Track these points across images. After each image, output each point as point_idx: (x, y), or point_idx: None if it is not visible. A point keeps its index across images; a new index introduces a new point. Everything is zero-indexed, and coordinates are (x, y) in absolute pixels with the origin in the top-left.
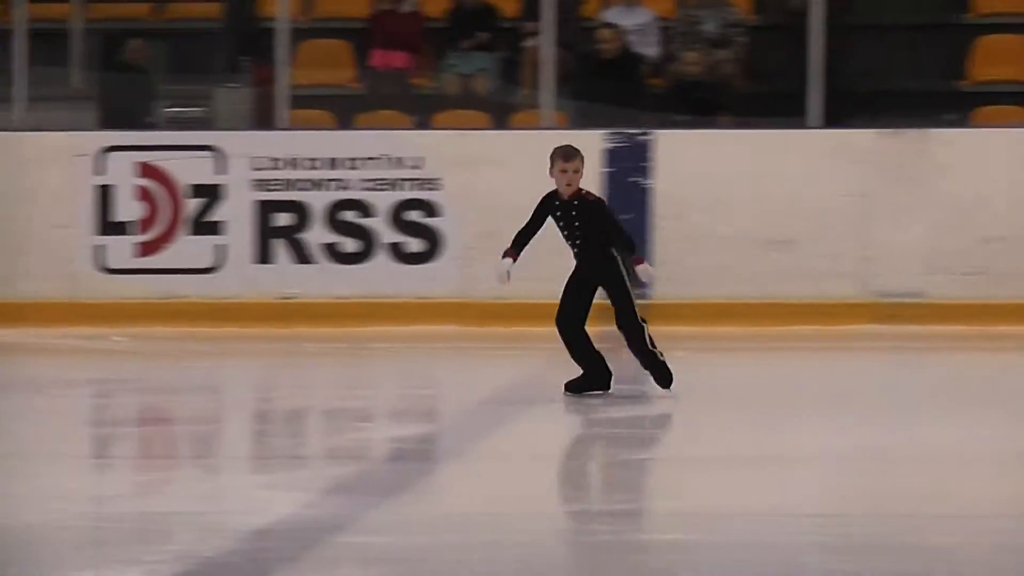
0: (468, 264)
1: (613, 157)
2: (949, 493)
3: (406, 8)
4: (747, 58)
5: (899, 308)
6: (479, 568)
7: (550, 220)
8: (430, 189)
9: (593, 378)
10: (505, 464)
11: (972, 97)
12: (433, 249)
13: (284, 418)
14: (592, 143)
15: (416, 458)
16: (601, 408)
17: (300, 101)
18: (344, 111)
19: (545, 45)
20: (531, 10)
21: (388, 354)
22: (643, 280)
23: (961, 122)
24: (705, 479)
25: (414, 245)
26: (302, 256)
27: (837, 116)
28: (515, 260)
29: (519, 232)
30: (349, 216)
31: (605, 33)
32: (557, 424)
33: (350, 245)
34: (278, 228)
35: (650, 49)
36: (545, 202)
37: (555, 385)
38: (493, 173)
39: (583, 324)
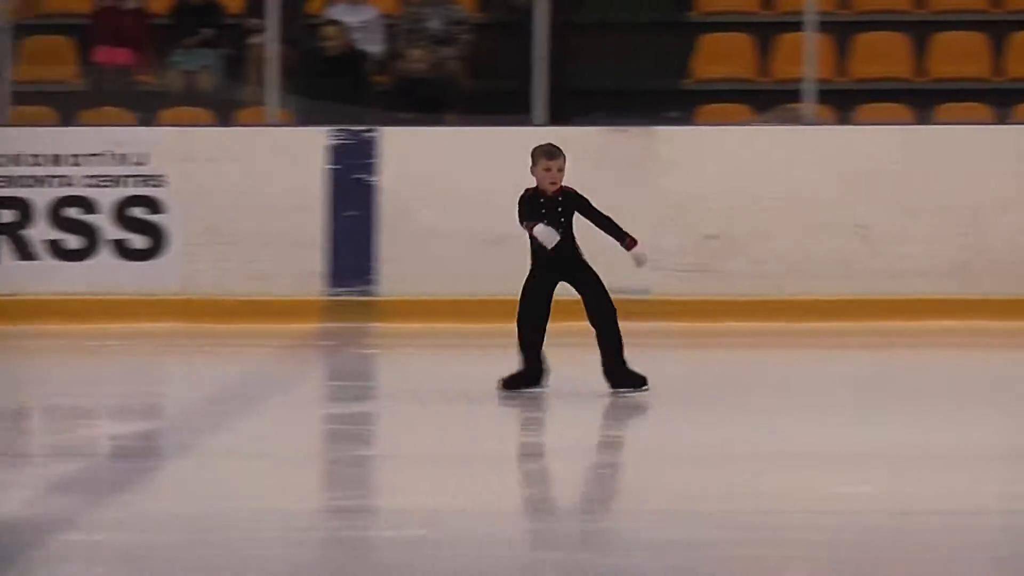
0: (192, 261)
1: (338, 154)
2: (663, 488)
3: (130, 5)
4: (472, 55)
5: (623, 305)
6: (204, 565)
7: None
8: (154, 186)
9: (530, 375)
10: (230, 461)
11: (696, 95)
12: (157, 246)
13: (6, 416)
14: (317, 140)
15: (140, 455)
16: (327, 404)
17: (22, 97)
18: (67, 107)
19: (270, 42)
20: (256, 7)
21: (111, 351)
22: (639, 262)
23: (685, 120)
24: (431, 476)
25: (138, 242)
26: (25, 253)
27: (562, 113)
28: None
29: (524, 215)
30: (72, 213)
31: (330, 30)
32: (282, 421)
33: (73, 242)
34: (0, 225)
35: (375, 46)
36: (529, 200)
37: (279, 381)
38: (218, 170)
39: (545, 325)
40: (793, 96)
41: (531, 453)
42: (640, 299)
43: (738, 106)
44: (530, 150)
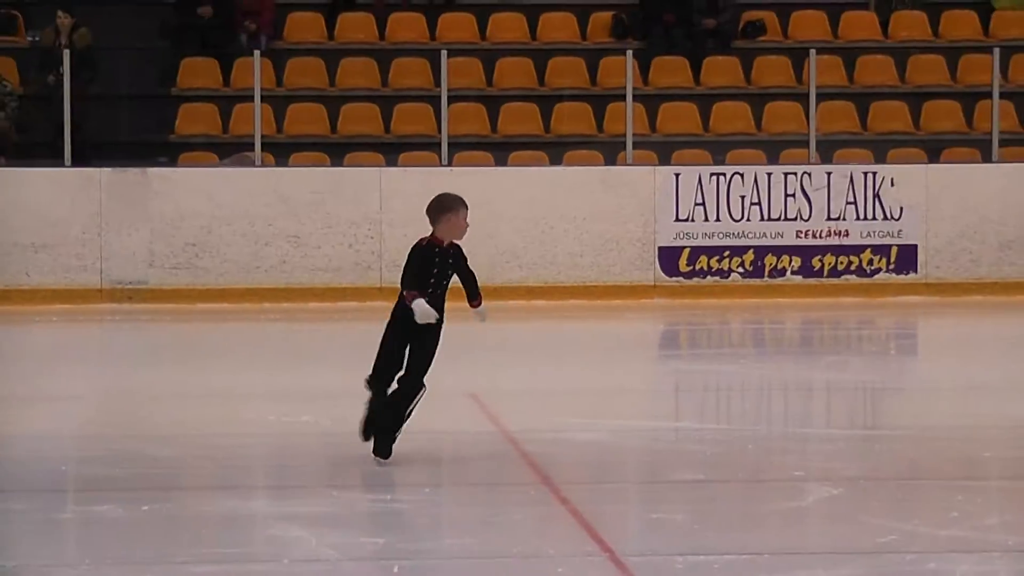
0: None
1: None
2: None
3: None
4: (17, 118)
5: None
6: None
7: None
8: None
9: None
10: None
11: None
12: None
13: None
14: None
15: None
16: None
17: None
18: None
19: None
20: None
21: None
22: (482, 317)
23: (170, 163)
24: None
25: None
26: None
27: (83, 158)
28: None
29: (414, 277)
30: None
31: None
32: None
33: None
34: None
35: None
36: (424, 253)
37: None
38: None
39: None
40: None
41: None
42: (140, 288)
43: (209, 154)
44: (431, 201)
